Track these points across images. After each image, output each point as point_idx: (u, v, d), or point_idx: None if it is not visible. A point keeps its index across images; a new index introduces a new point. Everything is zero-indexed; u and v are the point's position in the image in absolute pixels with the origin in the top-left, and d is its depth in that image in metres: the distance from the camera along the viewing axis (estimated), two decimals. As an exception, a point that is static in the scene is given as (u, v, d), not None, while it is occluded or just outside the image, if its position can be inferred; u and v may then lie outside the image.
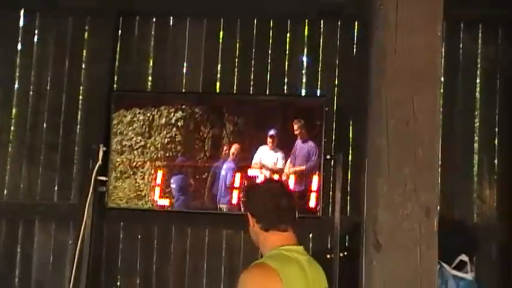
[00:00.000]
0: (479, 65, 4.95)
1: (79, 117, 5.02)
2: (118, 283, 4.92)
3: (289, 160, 4.47)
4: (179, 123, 4.60)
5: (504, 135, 4.86)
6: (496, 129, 4.90)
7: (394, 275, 2.55)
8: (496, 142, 4.90)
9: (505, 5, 4.74)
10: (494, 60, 4.93)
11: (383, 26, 2.61)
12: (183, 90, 5.03)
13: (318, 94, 4.95)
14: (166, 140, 4.60)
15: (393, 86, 2.58)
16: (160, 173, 4.57)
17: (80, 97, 5.06)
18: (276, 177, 4.40)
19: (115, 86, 5.02)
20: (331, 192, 4.65)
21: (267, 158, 4.52)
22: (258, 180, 4.35)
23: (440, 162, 4.76)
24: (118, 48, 5.04)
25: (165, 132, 4.60)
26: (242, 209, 3.25)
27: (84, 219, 4.39)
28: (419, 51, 2.57)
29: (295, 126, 4.48)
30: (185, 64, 5.06)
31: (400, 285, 2.53)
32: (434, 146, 2.58)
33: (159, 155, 4.59)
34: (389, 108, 2.58)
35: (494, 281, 4.75)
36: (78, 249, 4.39)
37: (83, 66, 5.07)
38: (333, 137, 4.81)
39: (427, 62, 2.57)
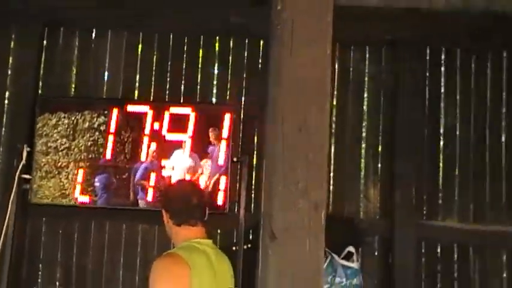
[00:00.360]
0: (366, 82, 5.08)
1: (4, 120, 4.90)
2: (39, 273, 4.82)
3: (205, 162, 4.51)
4: (101, 128, 4.56)
5: (386, 143, 5.01)
6: (380, 138, 5.04)
7: (287, 262, 2.61)
8: (379, 149, 5.03)
9: (388, 30, 4.92)
10: (378, 78, 5.08)
11: (280, 43, 2.68)
12: (104, 97, 4.98)
13: (227, 103, 4.98)
14: (89, 143, 4.56)
15: (288, 96, 2.65)
16: (81, 172, 4.53)
17: (6, 101, 4.94)
18: (188, 178, 4.42)
19: (40, 91, 4.93)
20: (237, 191, 4.68)
21: (181, 161, 4.54)
22: (173, 181, 4.37)
23: (332, 166, 4.96)
24: (43, 57, 4.95)
25: (88, 135, 4.55)
26: (159, 206, 3.26)
27: (8, 214, 4.29)
28: (311, 66, 2.65)
29: (211, 134, 4.51)
30: (106, 73, 5.02)
31: (292, 272, 2.59)
32: (323, 150, 2.66)
33: (82, 157, 4.54)
34: (284, 116, 2.65)
35: (376, 269, 4.89)
36: (1, 242, 4.29)
37: (9, 72, 4.96)
38: (240, 142, 4.84)
39: (318, 76, 2.65)
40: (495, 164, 5.01)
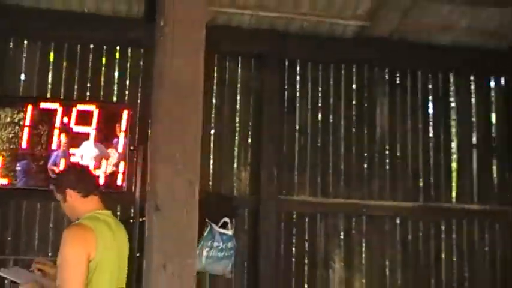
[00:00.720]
0: (239, 86, 5.08)
1: None
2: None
3: (111, 151, 4.40)
4: (21, 122, 4.36)
5: (254, 135, 5.03)
6: (249, 131, 5.05)
7: (168, 228, 2.59)
8: (249, 140, 5.04)
9: (256, 46, 5.00)
10: (248, 83, 5.09)
11: (162, 52, 2.67)
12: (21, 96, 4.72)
13: (125, 102, 4.85)
14: (11, 135, 4.35)
15: (168, 95, 2.64)
16: (0, 158, 4.31)
17: None
18: (93, 164, 4.32)
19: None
20: (134, 174, 4.58)
21: (88, 150, 4.41)
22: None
23: (212, 153, 4.96)
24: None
25: (9, 129, 4.34)
26: (57, 190, 3.10)
27: None
28: (187, 72, 2.65)
29: (117, 129, 4.42)
30: (23, 76, 4.76)
31: (172, 237, 2.57)
32: (197, 138, 2.66)
33: (5, 147, 4.33)
34: (166, 111, 2.64)
35: (246, 235, 4.93)
36: None
37: None
38: (136, 134, 4.72)
39: (192, 79, 2.65)
40: (336, 152, 5.15)
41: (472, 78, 5.39)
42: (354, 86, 5.25)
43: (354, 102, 5.23)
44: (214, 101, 5.02)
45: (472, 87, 5.39)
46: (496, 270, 5.20)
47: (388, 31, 5.00)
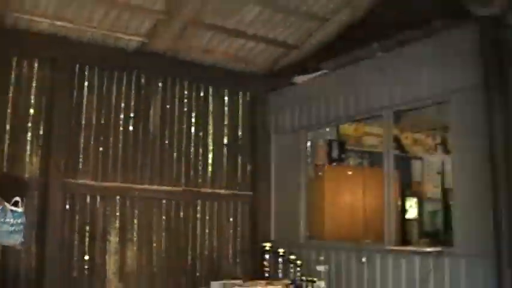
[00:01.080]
0: (33, 86, 5.27)
1: None
2: None
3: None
4: None
5: (47, 127, 5.26)
6: (42, 123, 5.26)
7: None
8: (41, 131, 5.26)
9: (53, 49, 5.23)
10: (41, 84, 5.30)
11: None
12: None
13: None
14: None
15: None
16: None
17: None
18: None
19: None
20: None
21: None
22: None
23: (7, 141, 5.07)
24: None
25: None
26: None
27: None
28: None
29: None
30: None
31: None
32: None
33: None
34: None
35: (36, 212, 5.19)
36: None
37: None
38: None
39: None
40: (115, 144, 5.60)
41: (225, 91, 6.46)
42: (133, 90, 5.80)
43: (132, 104, 5.78)
44: (11, 95, 5.24)
45: (226, 98, 6.45)
46: (237, 238, 6.30)
47: (163, 48, 5.78)
